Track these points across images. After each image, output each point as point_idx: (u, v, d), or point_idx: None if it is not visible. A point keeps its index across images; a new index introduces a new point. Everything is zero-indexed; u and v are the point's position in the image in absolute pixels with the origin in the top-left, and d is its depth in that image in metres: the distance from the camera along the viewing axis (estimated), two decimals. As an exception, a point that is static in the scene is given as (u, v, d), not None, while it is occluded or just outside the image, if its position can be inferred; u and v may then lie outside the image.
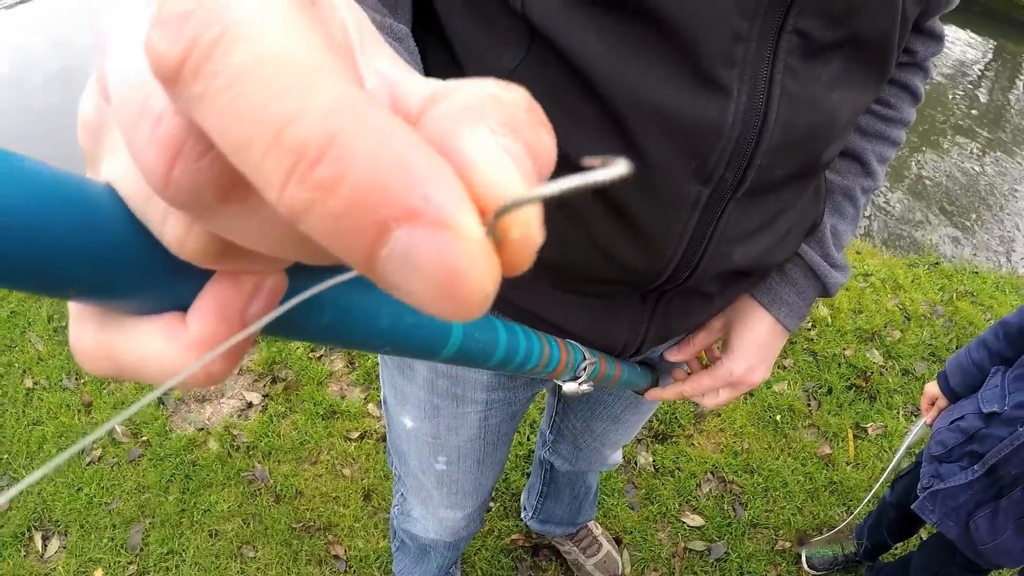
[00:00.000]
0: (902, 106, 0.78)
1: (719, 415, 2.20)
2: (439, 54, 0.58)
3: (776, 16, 0.51)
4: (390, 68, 0.17)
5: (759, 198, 0.62)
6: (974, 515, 1.32)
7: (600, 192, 0.57)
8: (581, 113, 0.54)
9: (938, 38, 0.77)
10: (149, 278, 0.17)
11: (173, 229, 0.16)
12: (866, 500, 1.87)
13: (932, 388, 1.53)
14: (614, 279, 0.64)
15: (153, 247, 0.17)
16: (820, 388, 2.37)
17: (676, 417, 2.16)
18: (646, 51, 0.51)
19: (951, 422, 1.40)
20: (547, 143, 0.16)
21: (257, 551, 1.79)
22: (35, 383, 2.13)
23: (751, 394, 2.28)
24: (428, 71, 0.55)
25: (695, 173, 0.56)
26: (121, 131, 0.15)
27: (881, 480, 1.81)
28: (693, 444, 2.10)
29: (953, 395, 1.46)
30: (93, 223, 0.16)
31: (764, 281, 0.78)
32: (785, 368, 2.41)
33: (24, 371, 2.16)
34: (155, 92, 0.14)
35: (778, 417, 2.23)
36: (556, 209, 0.57)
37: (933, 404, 1.53)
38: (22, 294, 2.39)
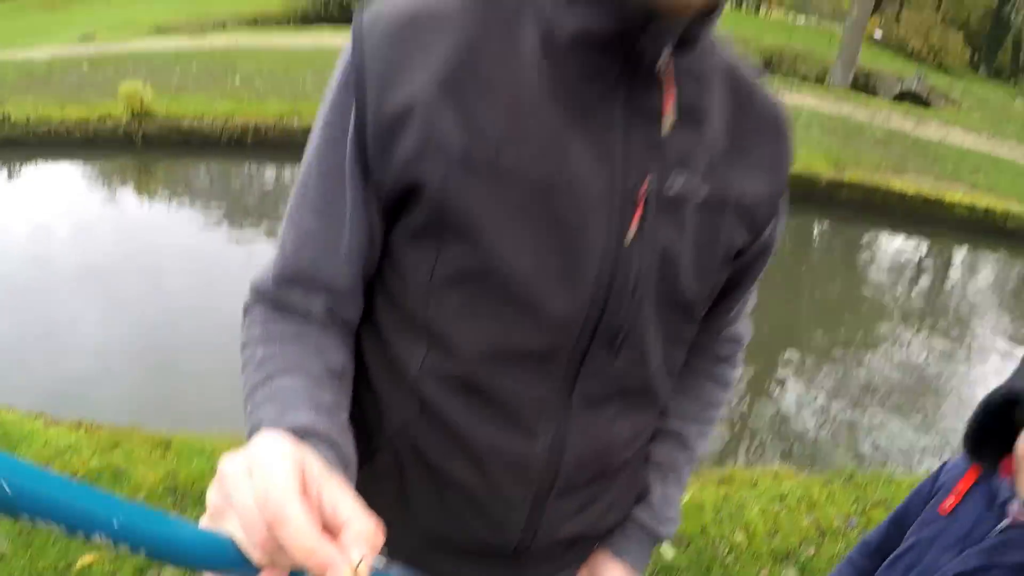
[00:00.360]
0: (714, 394, 1.05)
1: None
2: (366, 394, 0.86)
3: (569, 385, 0.80)
4: (334, 494, 0.49)
5: (571, 494, 0.87)
6: None
7: (468, 497, 0.87)
8: (453, 458, 0.83)
9: (734, 340, 1.04)
10: (244, 570, 0.47)
11: (257, 555, 0.46)
12: None
13: None
14: (484, 548, 0.90)
15: (248, 559, 0.46)
16: (735, 612, 2.56)
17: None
18: (487, 417, 0.80)
19: None
20: (380, 541, 0.48)
21: None
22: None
23: (668, 623, 2.46)
24: (359, 407, 0.86)
25: (522, 484, 0.83)
26: (243, 529, 0.46)
27: None
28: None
29: None
30: (233, 554, 0.46)
31: (612, 536, 1.00)
32: (702, 595, 2.60)
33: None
34: (261, 526, 0.46)
35: (694, 645, 2.40)
36: (445, 508, 0.87)
37: None
38: None
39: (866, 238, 9.02)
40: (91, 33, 15.37)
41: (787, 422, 4.76)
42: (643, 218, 0.72)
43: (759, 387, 5.02)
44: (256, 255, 6.48)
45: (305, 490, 0.48)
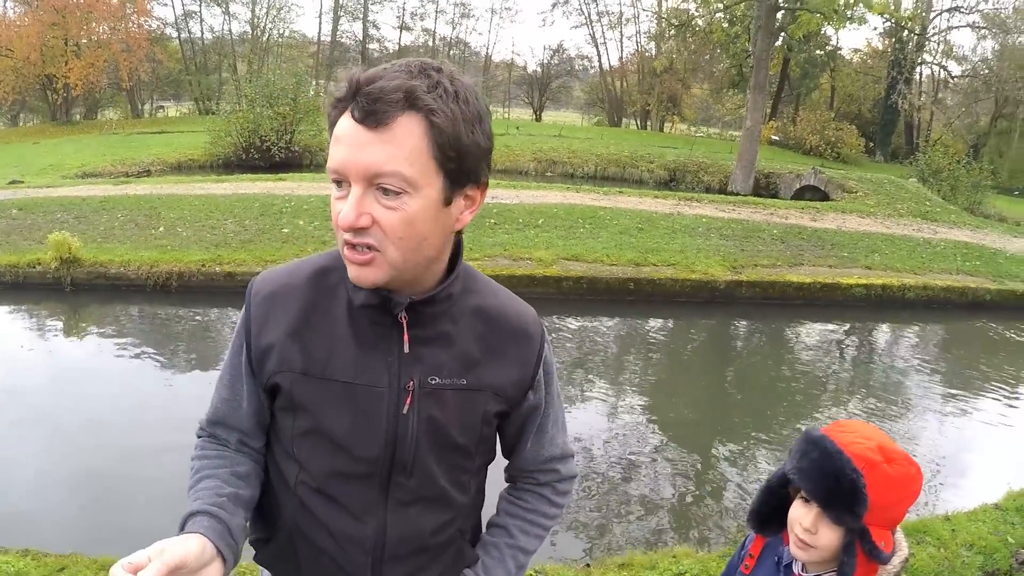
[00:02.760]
0: (539, 506, 1.42)
1: None
2: (270, 498, 1.31)
3: (384, 493, 1.22)
4: (165, 556, 0.94)
5: (399, 562, 1.26)
6: None
7: (332, 561, 1.24)
8: (320, 536, 1.25)
9: (551, 470, 1.42)
10: None
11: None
12: None
13: None
14: None
15: None
16: None
17: None
18: (336, 510, 1.23)
19: None
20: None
21: None
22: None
23: None
24: (267, 507, 1.32)
25: (362, 553, 1.24)
26: None
27: None
28: None
29: None
30: None
31: None
32: None
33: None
34: None
35: None
36: (320, 570, 1.27)
37: None
38: None
39: (767, 330, 9.41)
40: (20, 179, 15.60)
41: (697, 504, 4.94)
42: (412, 401, 1.20)
43: (673, 474, 5.19)
44: (182, 390, 6.65)
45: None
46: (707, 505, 5.04)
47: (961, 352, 9.40)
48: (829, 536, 1.38)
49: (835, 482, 1.34)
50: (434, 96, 1.03)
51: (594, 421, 6.29)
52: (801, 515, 1.42)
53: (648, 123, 43.83)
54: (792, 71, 37.30)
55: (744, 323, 9.58)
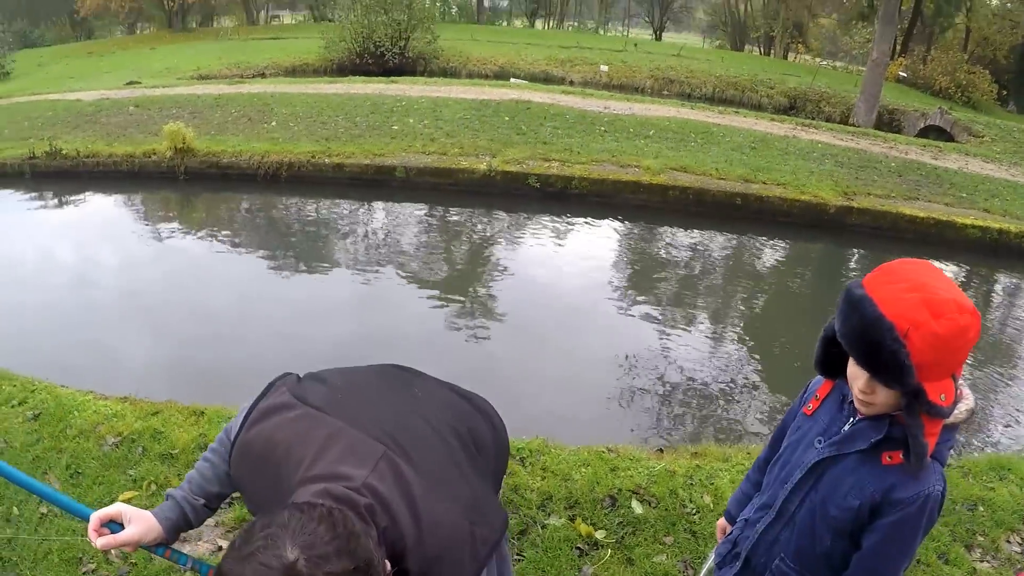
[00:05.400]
0: None
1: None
2: None
3: None
4: (132, 512, 1.46)
5: None
6: None
7: None
8: None
9: None
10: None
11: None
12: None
13: (721, 521, 2.02)
14: None
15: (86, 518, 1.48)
16: (696, 559, 2.84)
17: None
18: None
19: (726, 536, 1.89)
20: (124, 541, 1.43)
21: None
22: (48, 510, 2.67)
23: (632, 563, 2.76)
24: None
25: None
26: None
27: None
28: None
29: (734, 521, 1.92)
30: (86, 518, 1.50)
31: None
32: (665, 544, 2.90)
33: (40, 501, 2.69)
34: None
35: (656, 582, 2.70)
36: None
37: (724, 532, 1.98)
38: (48, 444, 2.92)
39: (875, 261, 9.14)
40: (137, 80, 16.41)
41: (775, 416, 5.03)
42: None
43: (758, 391, 5.34)
44: (285, 272, 7.15)
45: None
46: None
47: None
48: (886, 394, 1.35)
49: (876, 353, 1.28)
50: None
51: (687, 331, 6.44)
52: (856, 374, 1.38)
53: (771, 51, 41.92)
54: (926, 6, 34.70)
55: (852, 251, 9.38)
